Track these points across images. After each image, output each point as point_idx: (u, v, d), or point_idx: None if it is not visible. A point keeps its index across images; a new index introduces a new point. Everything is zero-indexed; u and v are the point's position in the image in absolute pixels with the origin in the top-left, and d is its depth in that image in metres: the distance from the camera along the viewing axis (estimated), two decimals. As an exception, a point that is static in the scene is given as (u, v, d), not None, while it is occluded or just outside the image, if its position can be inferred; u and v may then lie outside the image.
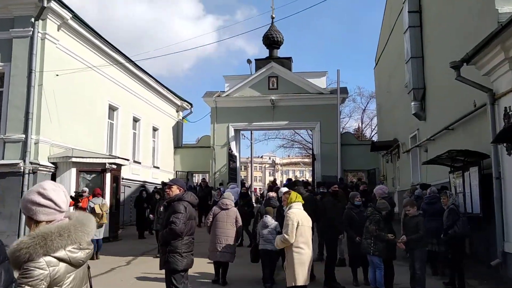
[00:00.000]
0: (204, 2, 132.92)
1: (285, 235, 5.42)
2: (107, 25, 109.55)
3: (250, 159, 40.90)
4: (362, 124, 39.26)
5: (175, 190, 5.00)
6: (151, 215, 11.93)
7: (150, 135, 20.78)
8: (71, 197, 11.42)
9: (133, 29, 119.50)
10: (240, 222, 7.85)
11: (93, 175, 13.42)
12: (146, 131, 20.19)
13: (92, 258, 10.49)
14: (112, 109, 17.12)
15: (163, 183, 14.67)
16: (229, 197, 8.15)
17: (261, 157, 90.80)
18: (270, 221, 7.47)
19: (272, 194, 9.03)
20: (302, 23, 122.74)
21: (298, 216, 5.43)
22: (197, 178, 25.85)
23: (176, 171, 23.21)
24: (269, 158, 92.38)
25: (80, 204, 11.22)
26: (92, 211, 10.42)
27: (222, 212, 7.71)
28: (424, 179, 13.17)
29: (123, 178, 16.78)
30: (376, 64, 22.53)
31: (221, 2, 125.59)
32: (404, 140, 15.88)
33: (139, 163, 19.19)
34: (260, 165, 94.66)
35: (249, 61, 24.81)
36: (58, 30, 13.45)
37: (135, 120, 19.23)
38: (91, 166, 13.34)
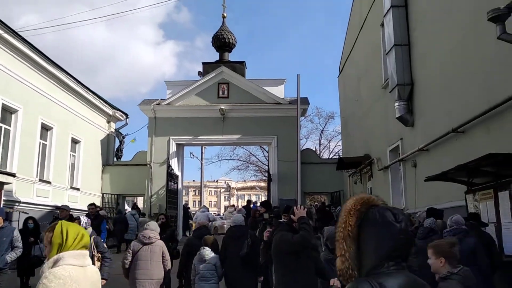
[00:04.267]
0: (164, 28, 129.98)
1: None
2: (64, 51, 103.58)
3: (200, 181, 37.34)
4: (320, 146, 37.14)
5: None
6: None
7: (68, 148, 16.67)
8: None
9: (91, 54, 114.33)
10: (168, 259, 6.12)
11: (-46, 197, 9.35)
12: (62, 143, 16.10)
13: None
14: (7, 110, 13.06)
15: (57, 208, 10.72)
16: (153, 227, 6.14)
17: (217, 181, 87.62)
18: (209, 253, 6.09)
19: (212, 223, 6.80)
20: (256, 24, 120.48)
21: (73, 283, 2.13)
22: (129, 203, 21.78)
23: (103, 194, 19.10)
24: (225, 183, 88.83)
25: None
26: None
27: (144, 248, 5.88)
28: (411, 203, 10.08)
29: (18, 202, 12.74)
30: (340, 72, 19.78)
31: (181, 28, 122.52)
32: (380, 154, 12.86)
33: (49, 182, 15.03)
34: (215, 190, 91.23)
35: (200, 73, 21.30)
36: None
37: (45, 128, 15.14)
38: (-50, 184, 9.29)
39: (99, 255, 5.73)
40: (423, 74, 9.70)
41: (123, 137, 21.44)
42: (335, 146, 36.28)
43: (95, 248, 5.74)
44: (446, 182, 7.52)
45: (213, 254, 6.15)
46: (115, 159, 20.50)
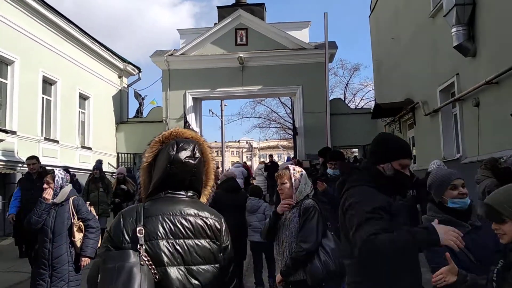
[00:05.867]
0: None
1: None
2: (83, 15, 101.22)
3: (221, 138, 36.08)
4: (345, 101, 35.25)
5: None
6: None
7: (76, 104, 15.36)
8: None
9: (109, 17, 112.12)
10: None
11: None
12: (69, 99, 14.79)
13: None
14: (2, 61, 11.72)
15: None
16: None
17: (238, 141, 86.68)
18: (256, 203, 5.86)
19: None
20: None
21: None
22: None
23: (118, 153, 17.97)
24: (246, 143, 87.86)
25: None
26: None
27: None
28: (472, 150, 8.40)
29: (21, 163, 11.59)
30: (371, 11, 17.62)
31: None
32: (427, 97, 11.04)
33: (56, 141, 13.86)
34: (237, 150, 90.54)
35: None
36: None
37: (49, 82, 13.81)
38: None
39: (80, 223, 4.02)
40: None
41: (143, 99, 20.05)
42: (361, 99, 34.35)
43: (74, 213, 4.02)
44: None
45: (261, 203, 5.89)
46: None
